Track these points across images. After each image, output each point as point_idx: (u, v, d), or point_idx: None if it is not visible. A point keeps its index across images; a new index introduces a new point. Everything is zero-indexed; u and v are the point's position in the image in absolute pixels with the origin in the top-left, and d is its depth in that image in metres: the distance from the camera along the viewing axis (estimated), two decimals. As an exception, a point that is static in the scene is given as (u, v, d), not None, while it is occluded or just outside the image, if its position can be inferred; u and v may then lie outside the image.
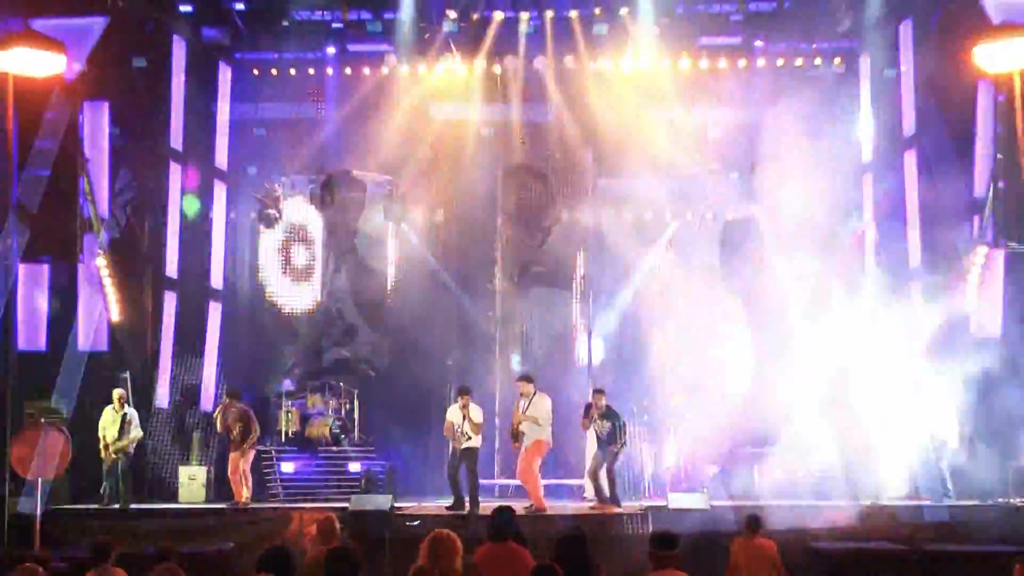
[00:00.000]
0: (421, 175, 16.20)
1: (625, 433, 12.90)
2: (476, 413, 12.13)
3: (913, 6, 13.72)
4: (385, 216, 16.34)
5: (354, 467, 14.55)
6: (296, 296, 16.40)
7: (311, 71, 15.91)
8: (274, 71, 15.87)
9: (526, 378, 12.79)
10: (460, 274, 16.48)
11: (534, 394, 12.40)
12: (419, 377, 15.53)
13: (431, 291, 16.09)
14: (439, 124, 16.11)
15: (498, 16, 15.10)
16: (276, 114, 16.35)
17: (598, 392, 12.89)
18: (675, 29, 14.94)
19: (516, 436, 12.57)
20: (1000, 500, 12.80)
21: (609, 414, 12.54)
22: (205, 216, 15.70)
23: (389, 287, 16.63)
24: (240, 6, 14.91)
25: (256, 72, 15.94)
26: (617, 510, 12.26)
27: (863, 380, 14.06)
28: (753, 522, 9.27)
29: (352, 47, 15.76)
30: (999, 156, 12.15)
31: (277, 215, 16.04)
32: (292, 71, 15.85)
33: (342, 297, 16.68)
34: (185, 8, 14.70)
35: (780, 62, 15.20)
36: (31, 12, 12.73)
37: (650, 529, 10.73)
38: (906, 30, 13.80)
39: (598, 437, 12.69)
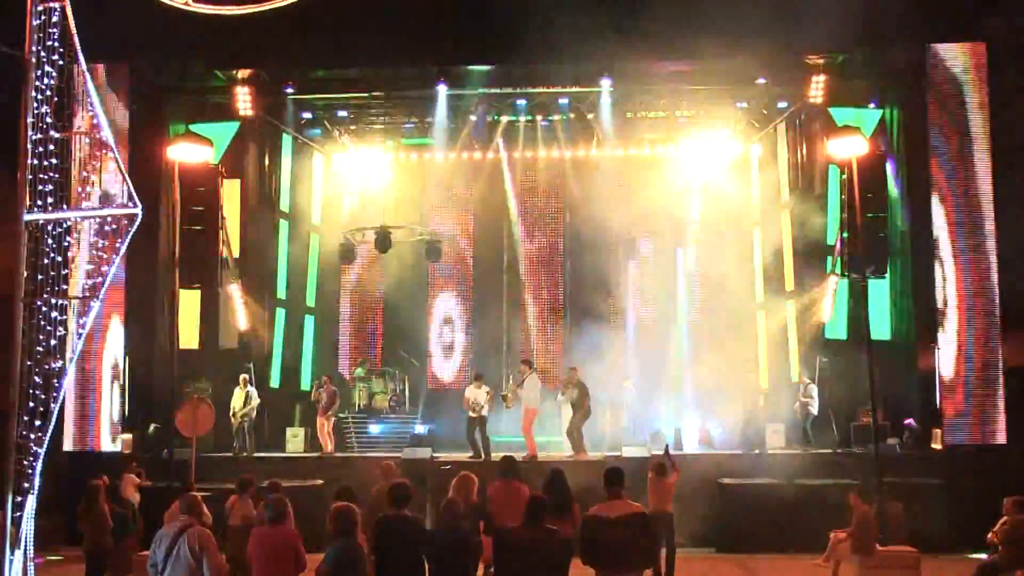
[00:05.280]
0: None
1: (588, 398, 15.49)
2: (483, 394, 15.51)
3: (785, 115, 18.20)
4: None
5: (419, 428, 17.95)
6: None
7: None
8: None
9: (526, 362, 16.46)
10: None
11: (528, 373, 15.76)
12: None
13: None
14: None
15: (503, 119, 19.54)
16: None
17: (572, 368, 16.25)
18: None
19: (505, 399, 16.03)
20: (840, 450, 15.76)
21: (579, 384, 15.66)
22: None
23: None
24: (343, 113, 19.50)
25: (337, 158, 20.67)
26: (586, 457, 15.04)
27: (758, 367, 18.07)
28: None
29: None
30: (843, 215, 15.00)
31: (354, 255, 20.69)
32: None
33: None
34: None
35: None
36: (192, 119, 17.55)
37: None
38: (780, 128, 18.51)
39: (572, 404, 15.63)
